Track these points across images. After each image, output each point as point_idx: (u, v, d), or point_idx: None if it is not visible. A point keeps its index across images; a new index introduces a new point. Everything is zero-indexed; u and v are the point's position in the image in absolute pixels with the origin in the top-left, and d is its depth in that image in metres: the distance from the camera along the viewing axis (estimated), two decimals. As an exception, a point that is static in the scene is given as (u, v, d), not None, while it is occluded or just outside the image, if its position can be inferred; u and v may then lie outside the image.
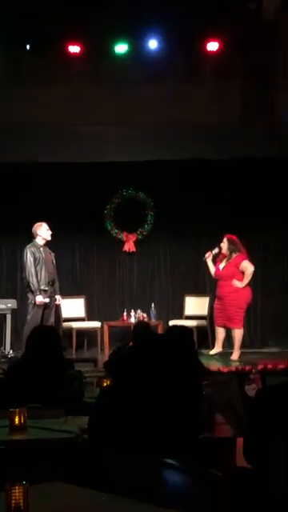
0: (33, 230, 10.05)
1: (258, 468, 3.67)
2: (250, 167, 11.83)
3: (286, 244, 12.07)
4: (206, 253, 10.30)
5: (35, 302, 9.74)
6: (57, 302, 10.20)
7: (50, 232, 10.06)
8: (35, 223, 10.09)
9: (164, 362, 3.78)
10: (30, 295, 9.89)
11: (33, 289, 9.75)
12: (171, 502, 2.82)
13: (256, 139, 11.39)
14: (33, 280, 9.74)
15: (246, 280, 9.69)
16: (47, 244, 10.10)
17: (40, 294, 9.74)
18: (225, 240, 9.98)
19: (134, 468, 3.30)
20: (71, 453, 3.60)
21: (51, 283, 9.98)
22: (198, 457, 3.44)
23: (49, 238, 10.06)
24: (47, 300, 9.82)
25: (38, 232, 10.00)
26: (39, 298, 9.71)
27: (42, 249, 9.94)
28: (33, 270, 9.75)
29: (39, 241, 9.98)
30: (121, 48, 10.82)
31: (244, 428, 4.77)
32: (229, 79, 11.34)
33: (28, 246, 9.97)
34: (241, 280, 9.68)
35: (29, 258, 9.80)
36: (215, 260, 10.11)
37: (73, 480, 3.11)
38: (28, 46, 10.68)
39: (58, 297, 10.17)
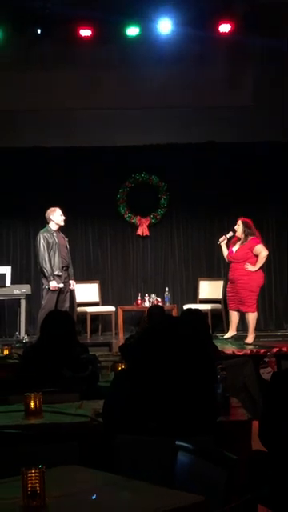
0: (46, 215, 10.05)
1: (273, 451, 3.67)
2: (263, 150, 11.77)
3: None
4: (219, 236, 10.26)
5: (49, 288, 9.75)
6: (71, 287, 10.19)
7: (63, 217, 10.05)
8: (48, 208, 10.08)
9: (178, 345, 3.78)
10: (44, 281, 9.90)
11: (46, 274, 9.75)
12: (185, 484, 2.82)
13: (269, 122, 11.34)
14: (46, 265, 9.74)
15: (259, 264, 9.65)
16: (60, 229, 10.09)
17: (54, 279, 9.74)
18: (239, 223, 9.92)
19: (148, 450, 3.31)
20: (86, 436, 3.61)
21: (65, 268, 9.97)
22: (212, 439, 3.44)
23: (62, 223, 10.04)
24: (61, 285, 9.83)
25: (51, 217, 9.99)
26: (53, 284, 9.71)
27: (55, 234, 9.93)
28: (46, 255, 9.75)
29: (52, 226, 9.97)
30: (132, 31, 10.75)
31: (259, 411, 4.77)
32: (241, 62, 11.28)
33: (41, 231, 9.97)
34: (254, 263, 9.63)
35: (42, 244, 9.80)
36: (229, 244, 10.08)
37: (88, 463, 3.12)
38: (39, 30, 10.63)
39: (72, 282, 10.16)
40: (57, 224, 9.98)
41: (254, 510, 2.62)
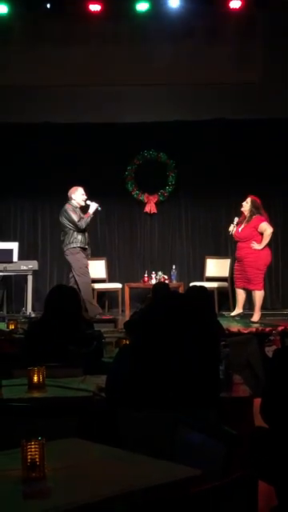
0: (68, 193, 10.09)
1: (274, 427, 3.69)
2: (272, 127, 11.69)
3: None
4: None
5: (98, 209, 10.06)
6: None
7: (85, 196, 10.10)
8: (71, 187, 10.13)
9: (182, 321, 3.78)
10: (67, 252, 9.94)
11: (81, 224, 9.82)
12: (185, 458, 2.84)
13: (279, 99, 11.25)
14: (81, 220, 9.82)
15: (265, 242, 9.63)
16: (81, 208, 10.11)
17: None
18: (248, 200, 9.90)
19: (150, 424, 3.33)
20: (88, 411, 3.63)
21: (88, 245, 10.08)
22: (214, 415, 3.46)
23: (83, 203, 10.09)
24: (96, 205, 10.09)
25: (72, 196, 10.04)
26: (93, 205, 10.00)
27: (79, 210, 10.03)
28: (77, 216, 9.83)
29: (75, 203, 10.01)
30: (142, 6, 10.69)
31: (262, 388, 4.78)
32: (251, 38, 11.20)
33: (66, 206, 9.96)
34: (259, 242, 9.62)
35: (71, 211, 9.84)
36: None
37: (90, 437, 3.14)
38: (48, 6, 10.56)
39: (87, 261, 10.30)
40: (78, 203, 10.01)
41: (254, 485, 2.63)
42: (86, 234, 10.05)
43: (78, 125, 11.56)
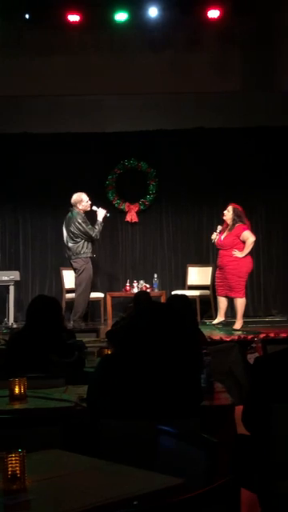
0: (72, 201, 10.13)
1: (255, 434, 3.69)
2: (252, 136, 11.77)
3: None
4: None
5: (105, 217, 10.14)
6: None
7: (89, 202, 10.15)
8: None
9: (164, 330, 3.78)
10: (78, 261, 9.94)
11: (93, 233, 9.88)
12: (167, 468, 2.84)
13: (258, 108, 11.32)
14: (92, 230, 9.89)
15: (247, 250, 9.68)
16: (86, 214, 10.21)
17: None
18: (229, 208, 9.94)
19: (131, 434, 3.32)
20: (70, 421, 3.62)
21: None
22: (195, 423, 3.46)
23: (88, 209, 10.11)
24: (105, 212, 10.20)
25: (78, 205, 10.06)
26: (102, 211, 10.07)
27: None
28: (88, 225, 9.89)
29: (80, 211, 10.02)
30: (121, 16, 10.74)
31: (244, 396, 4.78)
32: (230, 47, 11.27)
33: (76, 216, 9.97)
34: (241, 250, 9.66)
35: (82, 222, 9.88)
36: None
37: (72, 448, 3.13)
38: (27, 16, 10.58)
39: None
40: (83, 210, 10.02)
41: (236, 493, 2.63)
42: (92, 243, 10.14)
43: (58, 135, 11.57)
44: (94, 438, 3.44)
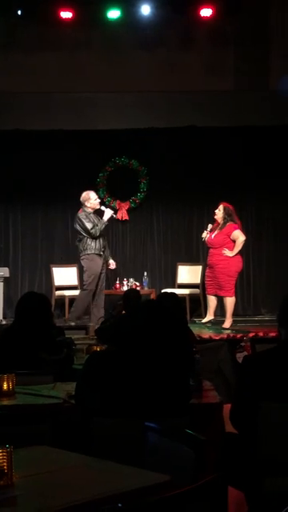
0: (81, 199, 10.16)
1: (242, 433, 3.70)
2: (244, 136, 11.75)
3: (278, 212, 12.09)
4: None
5: (111, 216, 10.22)
6: (112, 267, 10.50)
7: (98, 200, 10.21)
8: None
9: (154, 328, 3.79)
10: (83, 259, 9.97)
11: (94, 231, 9.88)
12: (155, 465, 2.85)
13: (251, 107, 11.33)
14: (95, 228, 9.88)
15: (237, 249, 9.70)
16: (95, 212, 10.19)
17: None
18: (220, 207, 9.96)
19: (119, 431, 3.33)
20: (58, 418, 3.62)
21: (103, 250, 10.13)
22: (183, 421, 3.46)
23: (97, 207, 10.13)
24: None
25: (86, 203, 10.09)
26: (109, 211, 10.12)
27: (92, 216, 10.05)
28: (91, 223, 9.89)
29: (88, 210, 10.00)
30: (113, 14, 10.73)
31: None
32: (223, 46, 11.27)
33: (79, 214, 10.00)
34: (231, 249, 9.68)
35: (83, 218, 9.90)
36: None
37: (60, 445, 3.13)
38: (19, 12, 10.56)
39: (111, 261, 10.43)
40: (92, 208, 10.06)
41: (223, 490, 2.63)
42: (101, 240, 10.11)
43: (50, 132, 11.53)
44: (83, 434, 3.45)
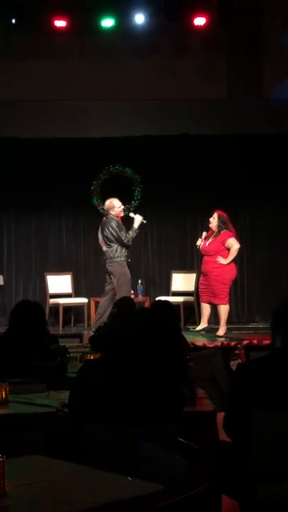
0: (105, 207, 10.28)
1: (236, 441, 3.70)
2: (238, 143, 11.77)
3: (272, 220, 12.12)
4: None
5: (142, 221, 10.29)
6: None
7: (122, 208, 10.29)
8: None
9: (147, 336, 3.79)
10: (113, 264, 10.04)
11: (126, 239, 9.99)
12: (148, 474, 2.84)
13: (244, 115, 11.35)
14: (127, 236, 10.01)
15: (231, 257, 9.71)
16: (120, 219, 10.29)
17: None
18: (215, 215, 9.98)
19: (112, 439, 3.32)
20: (51, 427, 3.61)
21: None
22: (177, 430, 3.46)
23: (122, 214, 10.29)
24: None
25: (111, 211, 10.15)
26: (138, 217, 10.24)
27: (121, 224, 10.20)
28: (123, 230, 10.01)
29: (114, 217, 10.11)
30: (107, 22, 10.74)
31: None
32: (216, 54, 11.31)
33: (111, 223, 10.06)
34: (225, 257, 9.69)
35: (116, 227, 9.98)
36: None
37: (53, 454, 3.13)
38: (14, 20, 10.57)
39: None
40: (117, 215, 10.14)
41: (217, 499, 2.64)
42: None
43: (44, 139, 11.53)
44: (76, 443, 3.44)
